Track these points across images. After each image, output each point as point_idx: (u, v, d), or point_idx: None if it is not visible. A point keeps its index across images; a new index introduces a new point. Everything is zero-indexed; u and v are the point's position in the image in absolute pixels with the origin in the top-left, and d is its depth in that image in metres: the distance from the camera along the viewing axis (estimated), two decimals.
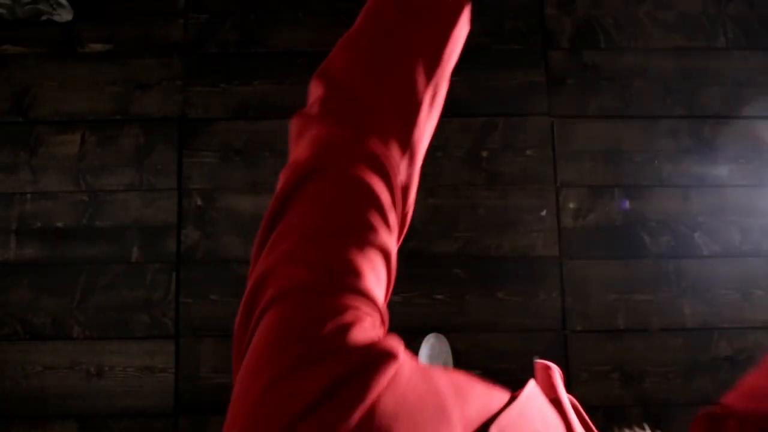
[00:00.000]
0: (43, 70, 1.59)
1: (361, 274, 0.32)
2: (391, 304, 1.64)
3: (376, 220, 0.33)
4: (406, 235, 1.63)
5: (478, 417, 0.30)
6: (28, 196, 1.54)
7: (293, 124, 0.36)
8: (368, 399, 0.27)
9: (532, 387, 0.36)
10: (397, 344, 0.31)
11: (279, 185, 0.35)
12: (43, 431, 1.45)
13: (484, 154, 1.58)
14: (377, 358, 0.29)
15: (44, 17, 1.58)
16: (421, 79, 0.36)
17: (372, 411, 0.27)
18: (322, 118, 0.34)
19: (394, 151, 0.35)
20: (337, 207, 0.33)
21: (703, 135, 1.61)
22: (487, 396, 0.32)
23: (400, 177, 0.35)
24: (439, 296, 1.52)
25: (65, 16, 1.58)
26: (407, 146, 0.36)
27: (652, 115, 1.61)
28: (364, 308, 0.32)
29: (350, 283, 0.32)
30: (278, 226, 0.33)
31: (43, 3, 1.54)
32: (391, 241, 0.34)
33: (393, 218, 0.35)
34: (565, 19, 1.65)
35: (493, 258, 1.54)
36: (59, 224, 1.53)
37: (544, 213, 1.56)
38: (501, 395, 0.34)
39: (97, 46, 1.61)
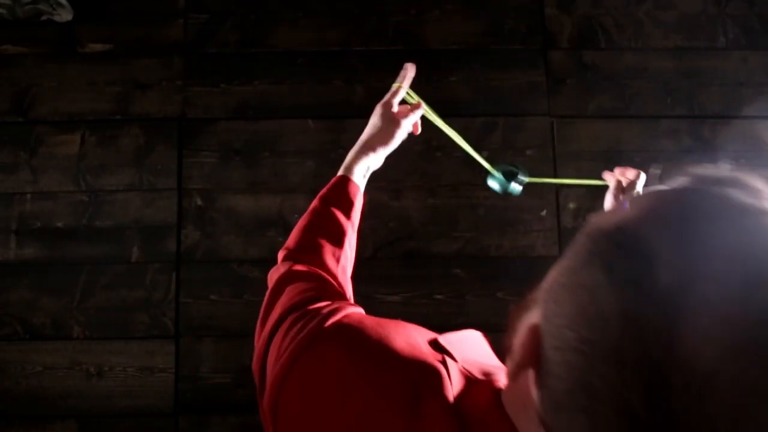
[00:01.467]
0: (43, 70, 1.59)
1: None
2: (391, 304, 1.63)
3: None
4: (406, 234, 1.63)
5: (427, 335, 0.46)
6: (28, 196, 1.54)
7: (272, 271, 0.64)
8: (343, 312, 0.46)
9: (471, 331, 0.53)
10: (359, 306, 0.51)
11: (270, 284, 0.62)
12: (43, 431, 1.45)
13: (484, 154, 1.58)
14: (335, 306, 0.48)
15: (44, 17, 1.58)
16: (335, 239, 0.66)
17: (347, 315, 0.46)
18: (282, 263, 0.64)
19: (327, 261, 0.65)
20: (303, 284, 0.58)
21: (703, 135, 1.61)
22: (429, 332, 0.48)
23: (332, 269, 0.64)
24: (439, 296, 1.52)
25: (65, 16, 1.58)
26: (337, 260, 0.66)
27: (652, 115, 1.61)
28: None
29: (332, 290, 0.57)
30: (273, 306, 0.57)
31: (43, 3, 1.54)
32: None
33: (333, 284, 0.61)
34: (565, 19, 1.65)
35: (493, 258, 1.54)
36: (59, 224, 1.53)
37: (544, 213, 1.56)
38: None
39: (97, 46, 1.61)
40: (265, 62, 1.60)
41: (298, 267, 0.60)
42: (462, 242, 1.54)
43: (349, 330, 0.44)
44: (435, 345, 0.45)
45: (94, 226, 1.53)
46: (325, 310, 0.46)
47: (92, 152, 1.56)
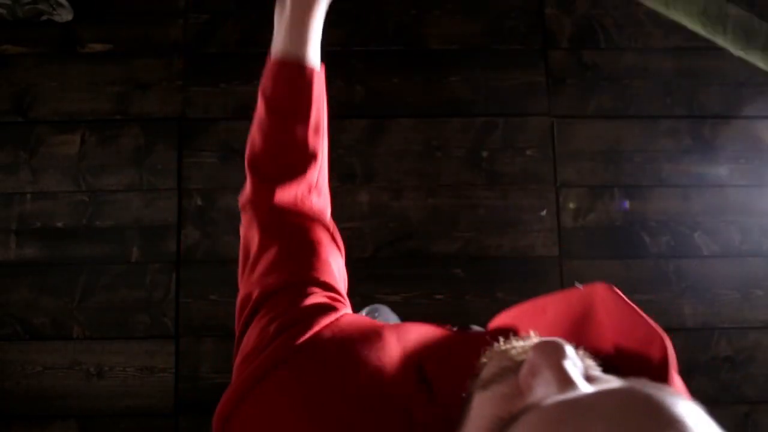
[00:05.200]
0: (43, 70, 1.59)
1: (317, 270, 0.46)
2: (391, 305, 1.63)
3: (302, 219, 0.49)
4: (406, 234, 1.63)
5: (416, 344, 0.40)
6: (28, 196, 1.54)
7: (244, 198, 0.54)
8: (313, 330, 0.39)
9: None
10: (341, 305, 0.44)
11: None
12: (43, 431, 1.45)
13: (484, 154, 1.58)
14: (318, 309, 0.42)
15: (44, 17, 1.58)
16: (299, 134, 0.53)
17: (316, 335, 0.39)
18: (254, 191, 0.53)
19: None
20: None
21: (703, 135, 1.61)
22: (427, 330, 0.42)
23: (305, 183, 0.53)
24: (439, 296, 1.52)
25: (65, 16, 1.58)
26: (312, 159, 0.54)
27: (652, 115, 1.61)
28: (322, 291, 0.45)
29: (308, 278, 0.45)
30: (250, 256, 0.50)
31: (43, 3, 1.54)
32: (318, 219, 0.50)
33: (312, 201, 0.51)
34: (565, 19, 1.65)
35: (493, 258, 1.54)
36: (59, 224, 1.53)
37: (544, 213, 1.56)
38: (441, 330, 0.43)
39: (97, 46, 1.61)
40: (265, 62, 1.60)
41: (278, 203, 0.49)
42: (462, 242, 1.54)
43: (311, 359, 0.38)
44: (417, 369, 0.38)
45: (94, 226, 1.53)
46: (296, 327, 0.40)
47: (92, 152, 1.56)
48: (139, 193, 1.55)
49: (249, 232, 0.50)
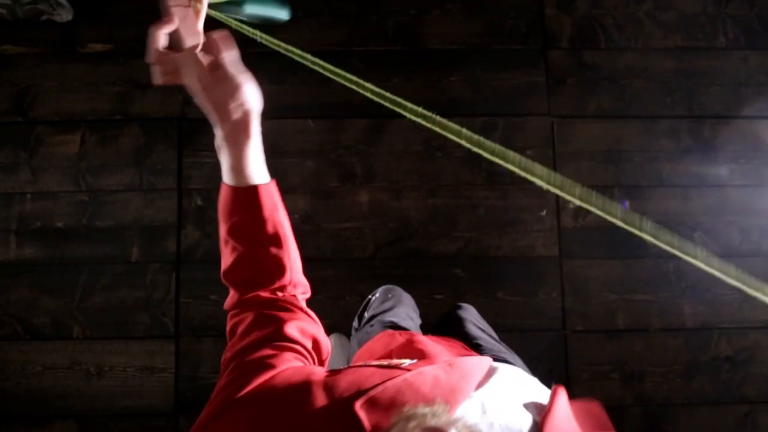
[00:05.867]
0: (43, 70, 1.59)
1: (278, 330, 0.54)
2: None
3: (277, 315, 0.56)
4: (406, 234, 1.62)
5: (348, 390, 0.44)
6: (28, 196, 1.54)
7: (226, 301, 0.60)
8: (250, 386, 0.46)
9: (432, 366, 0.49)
10: (281, 362, 0.49)
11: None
12: (43, 431, 1.45)
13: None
14: (260, 366, 0.48)
15: (44, 17, 1.58)
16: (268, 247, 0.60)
17: (251, 390, 0.45)
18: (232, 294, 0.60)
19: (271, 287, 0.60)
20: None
21: (703, 135, 1.61)
22: (364, 376, 0.46)
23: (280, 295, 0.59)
24: (439, 296, 1.52)
25: (65, 16, 1.58)
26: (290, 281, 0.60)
27: (652, 115, 1.61)
28: (277, 343, 0.52)
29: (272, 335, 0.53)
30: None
31: (43, 3, 1.54)
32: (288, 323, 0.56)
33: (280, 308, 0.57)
34: (565, 19, 1.65)
35: (492, 258, 1.54)
36: (59, 224, 1.53)
37: (544, 213, 1.56)
38: (385, 374, 0.46)
39: (97, 46, 1.61)
40: (265, 62, 1.60)
41: (246, 297, 0.58)
42: (462, 242, 1.54)
43: (244, 411, 0.45)
44: (347, 414, 0.42)
45: (94, 226, 1.53)
46: (238, 382, 0.47)
47: (92, 152, 1.56)
48: (139, 193, 1.55)
49: (233, 319, 0.58)
